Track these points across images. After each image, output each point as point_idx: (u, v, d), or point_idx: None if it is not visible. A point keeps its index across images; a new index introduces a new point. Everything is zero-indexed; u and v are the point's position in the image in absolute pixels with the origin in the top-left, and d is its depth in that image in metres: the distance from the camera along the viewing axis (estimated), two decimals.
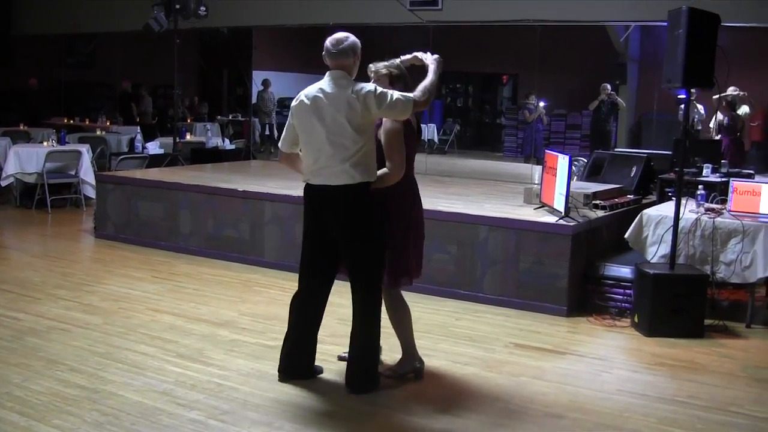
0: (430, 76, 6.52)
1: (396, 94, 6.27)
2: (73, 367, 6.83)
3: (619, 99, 18.26)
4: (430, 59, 6.66)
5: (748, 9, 12.57)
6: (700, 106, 15.52)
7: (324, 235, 6.49)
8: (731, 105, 14.35)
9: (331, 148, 6.25)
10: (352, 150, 6.23)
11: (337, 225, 6.41)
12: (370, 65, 6.76)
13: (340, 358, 7.03)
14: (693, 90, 13.47)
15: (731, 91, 14.60)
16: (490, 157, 21.45)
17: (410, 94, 6.32)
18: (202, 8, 16.09)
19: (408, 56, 6.77)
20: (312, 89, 6.39)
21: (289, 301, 6.73)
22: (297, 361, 6.71)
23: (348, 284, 6.51)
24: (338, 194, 6.30)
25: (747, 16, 12.64)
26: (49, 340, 7.53)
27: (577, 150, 19.53)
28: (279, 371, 6.74)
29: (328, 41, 6.38)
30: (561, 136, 21.79)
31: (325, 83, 6.37)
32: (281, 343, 6.83)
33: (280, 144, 6.73)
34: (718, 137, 14.73)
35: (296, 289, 6.71)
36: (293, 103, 6.47)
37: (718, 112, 14.74)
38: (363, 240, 6.39)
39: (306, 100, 6.37)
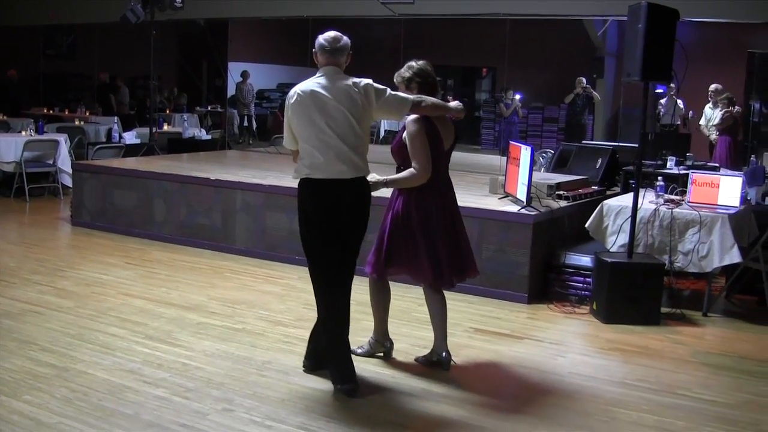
0: (443, 103, 6.74)
1: (393, 92, 6.46)
2: (44, 347, 7.04)
3: (594, 92, 18.40)
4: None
5: (707, 4, 12.78)
6: (680, 101, 15.70)
7: (339, 230, 6.40)
8: (731, 102, 14.54)
9: (338, 141, 6.24)
10: (357, 143, 6.31)
11: (351, 217, 6.42)
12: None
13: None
14: (672, 84, 13.76)
15: (711, 88, 14.85)
16: (468, 150, 21.56)
17: (410, 96, 6.50)
18: (178, 0, 16.24)
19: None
20: (308, 84, 6.35)
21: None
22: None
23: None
24: (353, 187, 6.34)
25: (706, 12, 12.85)
26: (23, 322, 7.74)
27: (554, 142, 19.68)
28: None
29: (324, 39, 6.41)
30: (538, 129, 21.92)
31: (321, 79, 6.36)
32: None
33: (284, 143, 6.64)
34: (714, 135, 14.95)
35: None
36: (290, 101, 6.39)
37: (717, 110, 14.92)
38: (364, 231, 6.56)
39: (304, 95, 6.31)
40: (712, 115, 15.18)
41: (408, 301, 8.81)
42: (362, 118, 6.34)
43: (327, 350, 6.55)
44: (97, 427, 5.50)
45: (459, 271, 6.92)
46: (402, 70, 6.84)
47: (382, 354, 7.18)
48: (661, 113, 15.62)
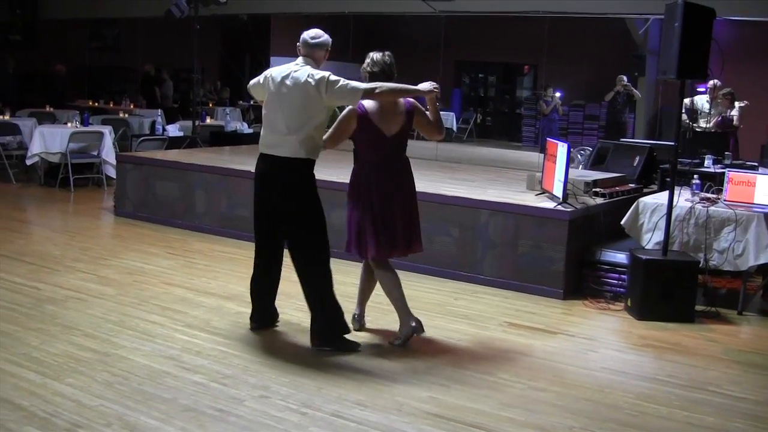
0: (404, 86, 7.11)
1: (348, 83, 6.86)
2: (87, 332, 7.22)
3: (635, 90, 18.36)
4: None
5: (746, 3, 12.78)
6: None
7: (268, 208, 7.27)
8: (734, 98, 14.51)
9: (282, 123, 6.99)
10: (299, 127, 6.95)
11: (281, 198, 7.13)
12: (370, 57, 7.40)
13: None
14: (711, 83, 13.70)
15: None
16: (509, 147, 21.62)
17: (361, 85, 6.89)
18: None
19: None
20: (282, 69, 7.12)
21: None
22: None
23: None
24: (286, 165, 7.02)
25: (744, 10, 12.85)
26: (66, 308, 7.93)
27: (595, 140, 19.68)
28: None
29: (306, 34, 7.17)
30: (579, 127, 21.95)
31: (293, 66, 7.09)
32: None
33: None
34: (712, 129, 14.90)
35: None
36: (261, 78, 7.30)
37: (721, 107, 14.88)
38: (300, 214, 7.12)
39: (270, 76, 7.14)
40: (701, 107, 15.06)
41: (444, 294, 8.94)
42: (310, 106, 6.96)
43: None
44: (136, 410, 5.65)
45: (391, 246, 7.30)
46: (364, 65, 7.37)
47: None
48: (700, 112, 15.58)
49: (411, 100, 7.22)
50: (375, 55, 7.29)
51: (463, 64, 24.47)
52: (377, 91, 6.85)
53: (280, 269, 7.47)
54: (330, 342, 7.14)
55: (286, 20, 20.71)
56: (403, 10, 16.11)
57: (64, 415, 5.52)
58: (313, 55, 7.11)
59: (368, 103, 7.08)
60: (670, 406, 6.31)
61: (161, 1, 17.47)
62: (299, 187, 7.04)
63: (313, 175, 7.11)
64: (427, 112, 7.25)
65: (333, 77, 6.86)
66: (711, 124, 14.57)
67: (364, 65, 7.32)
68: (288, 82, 6.98)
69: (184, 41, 18.23)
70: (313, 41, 7.13)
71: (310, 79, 6.87)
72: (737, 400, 6.54)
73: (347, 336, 7.23)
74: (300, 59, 7.11)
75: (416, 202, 7.45)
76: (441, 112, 7.28)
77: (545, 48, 17.20)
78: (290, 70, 7.03)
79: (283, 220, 7.15)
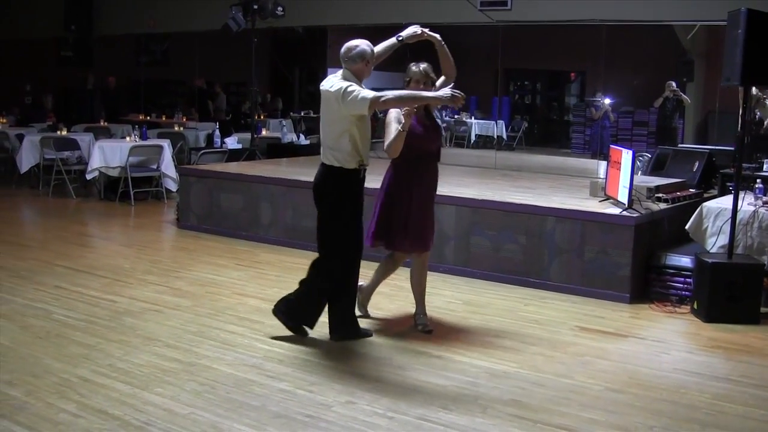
0: (415, 93, 7.45)
1: (360, 93, 7.10)
2: (168, 343, 7.40)
3: (683, 96, 18.33)
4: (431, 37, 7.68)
5: None
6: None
7: None
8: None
9: (322, 132, 7.50)
10: (328, 136, 7.41)
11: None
12: (412, 65, 7.78)
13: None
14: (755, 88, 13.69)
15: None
16: (558, 154, 21.64)
17: (370, 94, 7.09)
18: (280, 8, 16.51)
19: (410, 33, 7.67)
20: (325, 81, 7.44)
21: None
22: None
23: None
24: (319, 170, 7.59)
25: None
26: (144, 320, 8.11)
27: (644, 146, 19.65)
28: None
29: (342, 47, 7.40)
30: (628, 133, 21.89)
31: (331, 78, 7.41)
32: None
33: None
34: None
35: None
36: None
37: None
38: (323, 214, 7.69)
39: (322, 88, 7.40)
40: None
41: (513, 300, 9.08)
42: (335, 116, 7.32)
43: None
44: (228, 418, 5.81)
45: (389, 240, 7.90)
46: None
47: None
48: (758, 116, 15.60)
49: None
50: (411, 66, 7.68)
51: (510, 72, 24.56)
52: (382, 99, 7.10)
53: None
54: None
55: (343, 32, 20.87)
56: (460, 19, 16.17)
57: (158, 424, 5.67)
58: (351, 67, 7.34)
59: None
60: (747, 405, 6.41)
61: (216, 15, 17.64)
62: (324, 194, 7.54)
63: (347, 184, 7.47)
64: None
65: (350, 88, 7.11)
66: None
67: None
68: (323, 93, 7.35)
69: (235, 54, 18.44)
70: (347, 56, 7.34)
71: (332, 90, 7.20)
72: None
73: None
74: (339, 71, 7.38)
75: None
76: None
77: (593, 55, 17.24)
78: (328, 81, 7.37)
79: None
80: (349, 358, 7.22)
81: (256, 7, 16.29)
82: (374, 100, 7.05)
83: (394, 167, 7.87)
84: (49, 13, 23.08)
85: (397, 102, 7.28)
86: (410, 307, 8.09)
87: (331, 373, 6.80)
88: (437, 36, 7.63)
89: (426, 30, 7.61)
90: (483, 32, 17.30)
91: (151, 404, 6.01)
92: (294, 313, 7.65)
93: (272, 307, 7.71)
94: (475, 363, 7.15)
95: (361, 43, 7.33)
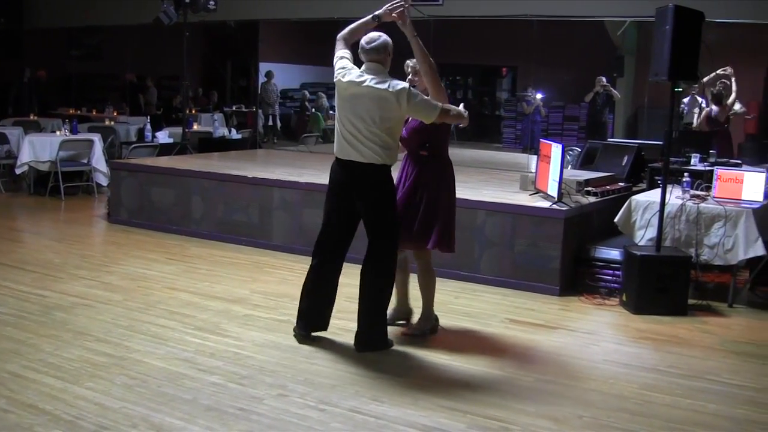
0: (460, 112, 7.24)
1: (430, 100, 7.00)
2: (99, 338, 7.35)
3: (614, 91, 18.45)
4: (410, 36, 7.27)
5: (732, 6, 13.00)
6: (700, 99, 15.79)
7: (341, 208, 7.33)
8: (717, 98, 14.71)
9: (365, 131, 6.98)
10: (374, 135, 6.97)
11: (360, 199, 7.18)
12: (408, 61, 7.54)
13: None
14: (696, 83, 13.90)
15: (719, 84, 14.99)
16: (489, 148, 21.75)
17: (439, 104, 7.00)
18: (211, 2, 16.47)
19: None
20: (356, 74, 7.03)
21: (304, 280, 7.43)
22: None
23: (353, 266, 7.34)
24: (362, 171, 7.06)
25: (731, 13, 13.06)
26: (75, 314, 8.04)
27: (575, 141, 19.83)
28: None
29: (363, 39, 7.07)
30: (559, 128, 22.10)
31: (365, 74, 7.00)
32: (292, 318, 7.64)
33: None
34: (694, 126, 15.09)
35: (306, 268, 7.36)
36: (344, 79, 7.07)
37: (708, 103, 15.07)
38: (376, 213, 7.23)
39: (355, 81, 6.99)
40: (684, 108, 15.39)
41: (444, 294, 9.12)
42: (390, 114, 6.94)
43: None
44: (160, 411, 5.80)
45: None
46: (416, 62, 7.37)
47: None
48: (684, 111, 15.81)
49: None
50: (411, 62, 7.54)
51: (441, 68, 24.53)
52: (451, 113, 7.13)
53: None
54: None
55: (274, 26, 20.84)
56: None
57: (89, 418, 5.65)
58: (376, 59, 7.03)
59: None
60: (674, 394, 6.51)
61: (147, 9, 17.55)
62: (381, 192, 7.21)
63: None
64: None
65: (415, 90, 7.01)
66: (697, 122, 14.82)
67: (417, 65, 7.38)
68: (367, 90, 6.97)
69: (166, 48, 18.35)
70: (370, 46, 7.02)
71: (388, 89, 6.91)
72: (737, 387, 6.76)
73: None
74: (366, 66, 7.06)
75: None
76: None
77: (526, 50, 17.33)
78: (363, 77, 7.02)
79: None
80: (279, 351, 7.21)
81: (187, 0, 16.22)
82: (444, 111, 7.00)
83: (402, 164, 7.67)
84: None
85: (453, 118, 7.22)
86: (344, 302, 8.08)
87: (263, 366, 6.79)
88: (409, 29, 7.22)
89: (403, 15, 7.23)
90: (415, 27, 17.33)
91: (82, 398, 5.98)
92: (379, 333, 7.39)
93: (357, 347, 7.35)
94: (407, 355, 7.21)
95: (383, 34, 7.09)
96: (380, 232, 7.14)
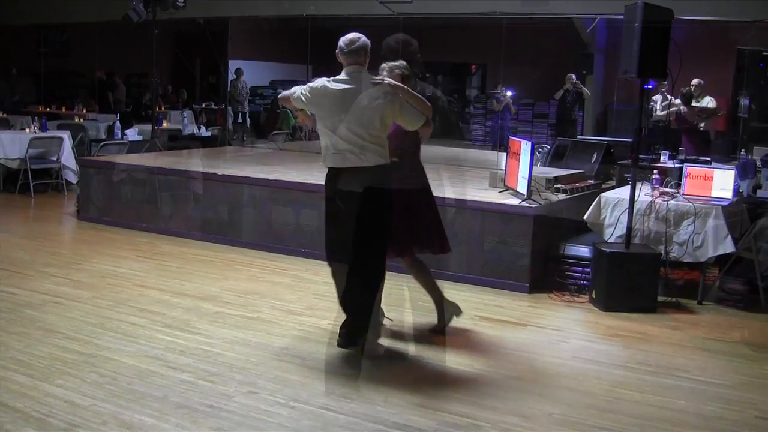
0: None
1: (414, 110, 6.96)
2: (69, 335, 7.32)
3: (584, 88, 18.50)
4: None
5: (701, 4, 13.08)
6: (670, 96, 15.81)
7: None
8: (686, 97, 14.78)
9: (356, 133, 6.83)
10: (366, 138, 6.84)
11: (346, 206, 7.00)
12: (383, 64, 7.40)
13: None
14: (665, 81, 13.97)
15: (694, 83, 15.09)
16: (459, 146, 21.75)
17: (423, 115, 6.99)
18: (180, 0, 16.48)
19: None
20: (332, 80, 6.96)
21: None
22: None
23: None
24: (349, 175, 6.90)
25: (700, 11, 13.14)
26: (45, 312, 8.01)
27: (545, 138, 19.87)
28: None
29: (342, 41, 6.96)
30: (529, 125, 22.14)
31: (345, 78, 6.93)
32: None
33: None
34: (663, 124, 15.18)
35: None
36: (314, 86, 7.00)
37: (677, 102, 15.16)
38: (368, 220, 7.03)
39: (331, 87, 6.91)
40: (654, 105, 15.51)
41: (413, 290, 9.13)
42: (381, 113, 6.84)
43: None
44: (130, 408, 5.79)
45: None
46: (394, 65, 7.35)
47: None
48: (654, 109, 15.88)
49: None
50: (402, 62, 7.50)
51: (411, 65, 24.51)
52: (429, 123, 7.13)
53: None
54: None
55: (243, 23, 20.80)
56: (362, 12, 16.13)
57: (59, 415, 5.63)
58: (356, 61, 6.95)
59: None
60: (643, 391, 6.54)
61: (116, 6, 17.48)
62: (379, 193, 7.02)
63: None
64: None
65: (402, 101, 6.95)
66: (662, 113, 14.91)
67: (395, 68, 7.34)
68: (355, 93, 6.90)
69: (135, 45, 18.29)
70: (349, 48, 6.93)
71: (380, 96, 6.87)
72: (705, 384, 6.79)
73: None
74: (347, 69, 6.98)
75: None
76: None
77: (493, 47, 17.35)
78: (343, 80, 6.95)
79: None
80: (250, 348, 7.20)
81: None
82: (427, 121, 7.04)
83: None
84: None
85: (429, 128, 7.22)
86: (313, 299, 8.07)
87: (233, 363, 6.79)
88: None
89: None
90: (385, 25, 17.35)
91: (52, 396, 5.96)
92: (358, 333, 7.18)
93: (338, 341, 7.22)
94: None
95: (362, 36, 7.00)
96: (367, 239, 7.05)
